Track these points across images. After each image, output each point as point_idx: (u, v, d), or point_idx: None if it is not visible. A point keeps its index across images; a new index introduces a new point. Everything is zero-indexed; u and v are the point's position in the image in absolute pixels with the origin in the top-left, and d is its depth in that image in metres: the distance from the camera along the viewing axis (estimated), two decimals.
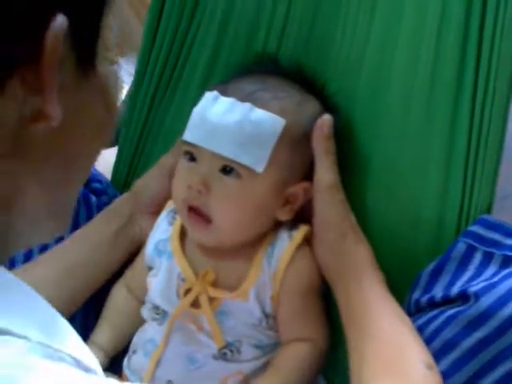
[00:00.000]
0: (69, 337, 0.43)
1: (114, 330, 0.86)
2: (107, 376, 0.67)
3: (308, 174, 0.79)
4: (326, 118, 0.78)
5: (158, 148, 0.93)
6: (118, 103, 0.49)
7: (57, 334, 0.42)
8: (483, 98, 0.75)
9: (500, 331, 0.68)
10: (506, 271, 0.72)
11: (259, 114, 0.74)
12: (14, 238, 0.46)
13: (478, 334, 0.69)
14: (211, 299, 0.78)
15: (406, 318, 0.73)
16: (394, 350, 0.69)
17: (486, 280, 0.72)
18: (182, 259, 0.80)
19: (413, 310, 0.77)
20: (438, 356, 0.70)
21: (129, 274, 0.88)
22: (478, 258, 0.75)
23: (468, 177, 0.77)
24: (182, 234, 0.82)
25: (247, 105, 0.75)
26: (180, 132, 0.79)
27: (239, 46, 0.89)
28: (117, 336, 0.86)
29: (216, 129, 0.75)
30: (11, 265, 0.87)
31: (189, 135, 0.77)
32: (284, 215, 0.79)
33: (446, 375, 0.69)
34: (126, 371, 0.84)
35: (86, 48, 0.43)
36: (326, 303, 0.81)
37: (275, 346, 0.80)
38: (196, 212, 0.77)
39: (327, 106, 0.81)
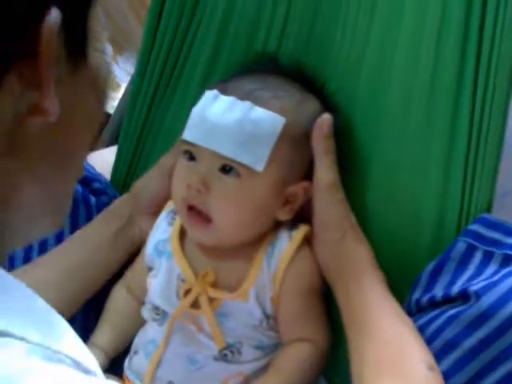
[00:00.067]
0: (68, 338, 0.43)
1: (114, 330, 0.86)
2: (107, 377, 0.67)
3: (308, 174, 0.79)
4: (326, 118, 0.78)
5: (158, 147, 0.93)
6: (108, 94, 0.49)
7: (56, 335, 0.41)
8: (483, 98, 0.75)
9: (501, 331, 0.68)
10: (507, 270, 0.71)
11: (259, 112, 0.74)
12: (10, 236, 0.45)
13: (479, 334, 0.69)
14: (211, 300, 0.78)
15: (407, 318, 0.73)
16: (394, 350, 0.69)
17: (487, 279, 0.71)
18: (182, 260, 0.80)
19: (413, 310, 0.77)
20: (439, 356, 0.70)
21: (129, 274, 0.88)
22: (478, 257, 0.74)
23: (468, 176, 0.76)
24: (182, 235, 0.82)
25: (247, 103, 0.74)
26: (180, 131, 0.79)
27: (239, 46, 0.89)
28: (117, 337, 0.86)
29: (215, 128, 0.74)
30: (11, 261, 0.87)
31: (188, 134, 0.77)
32: (284, 215, 0.79)
33: (447, 375, 0.69)
34: (126, 372, 0.84)
35: (76, 40, 0.43)
36: (327, 304, 0.81)
37: (276, 346, 0.80)
38: (195, 211, 0.76)
39: (327, 105, 0.81)
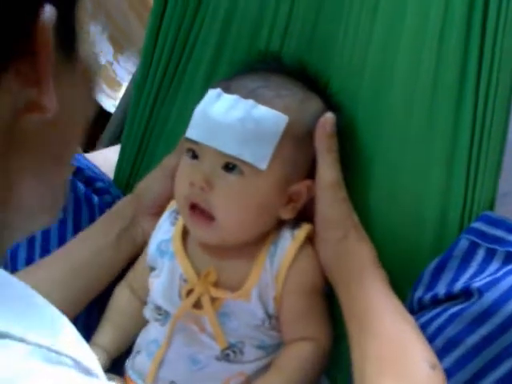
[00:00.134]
0: (70, 337, 0.42)
1: (116, 330, 0.85)
2: (109, 377, 0.67)
3: (311, 172, 0.79)
4: (329, 116, 0.78)
5: (161, 147, 0.93)
6: (98, 85, 0.49)
7: (57, 334, 0.41)
8: (485, 97, 0.75)
9: (504, 328, 0.68)
10: (510, 267, 0.71)
11: (262, 111, 0.74)
12: (9, 234, 0.46)
13: (482, 331, 0.69)
14: (213, 300, 0.78)
15: (409, 317, 0.73)
16: (396, 348, 0.69)
17: (489, 276, 0.71)
18: (185, 260, 0.80)
19: (416, 308, 0.76)
20: (441, 354, 0.70)
21: (131, 274, 0.87)
22: (480, 254, 0.74)
23: (471, 174, 0.76)
24: (185, 234, 0.81)
25: (250, 102, 0.74)
26: (183, 131, 0.79)
27: (242, 45, 0.89)
28: (119, 337, 0.85)
29: (218, 126, 0.74)
30: (13, 261, 0.87)
31: (191, 132, 0.77)
32: (287, 214, 0.78)
33: (449, 373, 0.69)
34: (129, 372, 0.84)
35: (66, 34, 0.43)
36: (329, 302, 0.81)
37: (278, 346, 0.80)
38: (198, 210, 0.76)
39: (330, 104, 0.81)
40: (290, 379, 0.77)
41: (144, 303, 0.85)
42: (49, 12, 0.39)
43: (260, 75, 0.80)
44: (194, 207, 0.77)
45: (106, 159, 0.99)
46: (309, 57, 0.84)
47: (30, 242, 0.88)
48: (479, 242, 0.75)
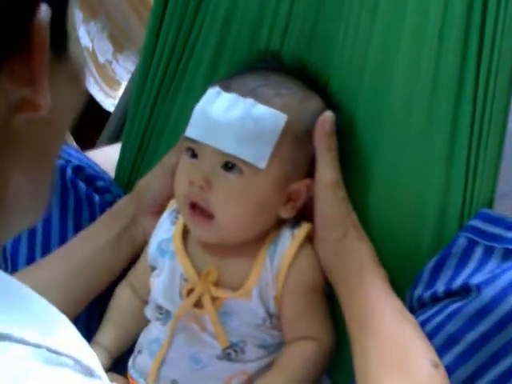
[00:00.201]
0: (70, 337, 0.42)
1: (117, 330, 0.86)
2: (111, 376, 0.67)
3: (310, 172, 0.79)
4: (328, 115, 0.78)
5: (162, 146, 0.93)
6: (85, 82, 0.49)
7: (57, 334, 0.41)
8: (484, 97, 0.75)
9: (503, 324, 0.68)
10: (508, 264, 0.71)
11: (261, 110, 0.74)
12: (3, 233, 0.46)
13: (481, 328, 0.69)
14: (214, 299, 0.78)
15: (409, 315, 0.73)
16: (398, 348, 0.69)
17: (488, 273, 0.71)
18: (185, 259, 0.80)
19: (415, 307, 0.77)
20: (441, 351, 0.70)
21: (132, 274, 0.87)
22: (478, 252, 0.74)
23: (469, 173, 0.76)
24: (185, 234, 0.82)
25: (249, 100, 0.74)
26: (184, 130, 0.79)
27: (242, 45, 0.89)
28: (121, 336, 0.85)
29: (218, 125, 0.74)
30: (14, 261, 0.87)
31: (191, 131, 0.77)
32: (286, 213, 0.79)
33: (449, 370, 0.69)
34: (131, 371, 0.84)
35: (57, 33, 0.43)
36: (330, 302, 0.81)
37: (279, 345, 0.80)
38: (198, 209, 0.76)
39: (329, 103, 0.81)
40: (292, 378, 0.77)
41: (145, 303, 0.85)
42: (44, 11, 0.39)
43: (260, 74, 0.80)
44: (194, 206, 0.77)
45: (106, 157, 0.99)
46: (309, 56, 0.84)
47: (31, 241, 0.88)
48: (477, 239, 0.75)
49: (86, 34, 1.54)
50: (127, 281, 0.87)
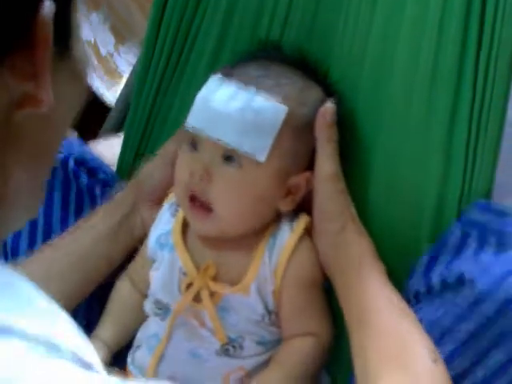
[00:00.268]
0: (69, 332, 0.42)
1: (117, 324, 0.85)
2: (110, 372, 0.67)
3: (310, 164, 0.79)
4: (329, 106, 0.77)
5: (164, 137, 0.93)
6: (88, 82, 0.49)
7: (57, 328, 0.41)
8: (483, 86, 0.75)
9: (497, 314, 0.68)
10: (501, 254, 0.71)
11: (261, 101, 0.74)
12: (4, 227, 0.46)
13: (475, 319, 0.69)
14: (212, 294, 0.78)
15: (407, 309, 0.72)
16: (396, 342, 0.68)
17: (482, 264, 0.71)
18: (184, 253, 0.80)
19: (411, 298, 0.76)
20: (438, 344, 0.69)
21: (132, 267, 0.87)
22: (473, 242, 0.74)
23: (468, 164, 0.76)
24: (184, 227, 0.81)
25: (250, 92, 0.74)
26: (185, 121, 0.79)
27: (244, 35, 0.89)
28: (120, 331, 0.85)
29: (218, 116, 0.74)
30: (14, 249, 0.87)
31: (191, 121, 0.77)
32: (286, 206, 0.78)
33: (447, 362, 0.68)
34: (130, 367, 0.84)
35: (61, 31, 0.43)
36: (328, 297, 0.80)
37: (278, 342, 0.80)
38: (197, 202, 0.76)
39: (330, 93, 0.81)
40: (290, 374, 0.77)
41: (145, 296, 0.84)
42: (48, 6, 0.39)
43: (260, 64, 0.79)
44: (193, 199, 0.76)
45: (109, 149, 0.99)
46: (309, 46, 0.84)
47: (32, 234, 0.88)
48: (471, 230, 0.74)
49: (87, 26, 1.54)
50: (127, 274, 0.87)
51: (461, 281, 0.71)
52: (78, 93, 0.47)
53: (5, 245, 0.87)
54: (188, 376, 0.79)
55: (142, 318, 0.84)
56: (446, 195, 0.77)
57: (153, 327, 0.83)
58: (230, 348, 0.78)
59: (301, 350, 0.78)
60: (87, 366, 0.40)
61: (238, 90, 0.74)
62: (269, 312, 0.78)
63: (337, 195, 0.77)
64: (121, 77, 1.58)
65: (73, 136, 1.02)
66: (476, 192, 0.76)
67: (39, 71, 0.40)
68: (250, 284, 0.77)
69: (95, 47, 1.59)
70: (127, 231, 0.86)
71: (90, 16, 1.55)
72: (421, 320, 0.71)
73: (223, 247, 0.79)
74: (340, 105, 0.79)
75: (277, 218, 0.79)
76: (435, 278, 0.74)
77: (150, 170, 0.87)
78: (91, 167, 0.93)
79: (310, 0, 0.85)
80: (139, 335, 0.84)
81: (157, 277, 0.81)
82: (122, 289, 0.87)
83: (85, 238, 0.85)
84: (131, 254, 0.87)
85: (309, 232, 0.79)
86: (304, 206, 0.79)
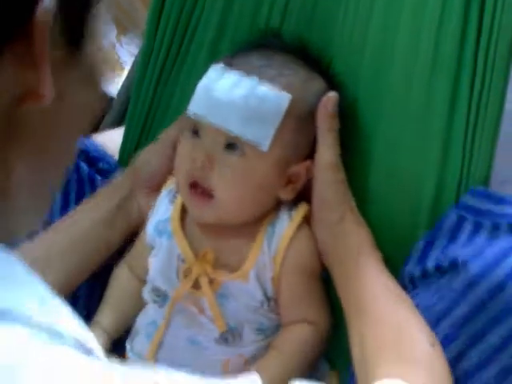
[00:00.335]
0: (70, 318, 0.42)
1: (116, 311, 0.85)
2: (109, 358, 0.67)
3: (311, 154, 0.79)
4: (332, 96, 0.78)
5: (165, 127, 0.93)
6: (108, 84, 0.48)
7: (59, 315, 0.41)
8: (483, 73, 0.75)
9: (489, 298, 0.68)
10: (495, 238, 0.71)
11: (265, 89, 0.74)
12: (10, 226, 0.45)
13: (468, 302, 0.69)
14: (211, 281, 0.78)
15: (405, 295, 0.72)
16: (394, 329, 0.68)
17: (476, 247, 0.71)
18: (183, 240, 0.80)
19: (407, 283, 0.76)
20: (433, 328, 0.69)
21: (130, 254, 0.87)
22: (468, 227, 0.74)
23: (466, 151, 0.76)
24: (183, 214, 0.81)
25: (254, 80, 0.74)
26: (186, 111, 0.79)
27: (244, 24, 0.89)
28: (119, 318, 0.85)
29: (221, 103, 0.74)
30: None
31: (193, 108, 0.77)
32: (286, 194, 0.78)
33: (442, 346, 0.68)
34: (129, 354, 0.84)
35: (73, 28, 0.43)
36: (327, 285, 0.80)
37: (276, 328, 0.80)
38: (198, 189, 0.76)
39: (332, 83, 0.81)
40: (289, 362, 0.77)
41: (144, 283, 0.84)
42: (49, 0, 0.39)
43: (263, 54, 0.79)
44: (194, 186, 0.76)
45: (110, 140, 0.99)
46: (309, 35, 0.84)
47: None
48: (467, 215, 0.75)
49: None
50: (125, 261, 0.87)
51: (455, 265, 0.71)
52: (91, 95, 0.47)
53: None
54: (187, 363, 0.78)
55: (140, 305, 0.84)
56: (444, 183, 0.77)
57: (151, 314, 0.83)
58: (229, 337, 0.78)
59: (299, 337, 0.78)
60: (89, 352, 0.40)
61: (242, 78, 0.74)
62: (268, 298, 0.78)
63: (336, 184, 0.78)
64: (122, 69, 1.58)
65: None
66: (474, 179, 0.76)
67: (38, 62, 0.40)
68: (249, 271, 0.77)
69: None
70: (124, 216, 0.86)
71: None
72: (417, 305, 0.72)
73: (222, 235, 0.79)
74: (342, 95, 0.79)
75: (276, 207, 0.79)
76: (430, 263, 0.74)
77: (148, 156, 0.87)
78: (92, 157, 0.93)
79: None
80: (138, 322, 0.84)
81: (155, 264, 0.81)
82: (121, 276, 0.87)
83: (83, 222, 0.85)
84: (129, 241, 0.87)
85: (308, 221, 0.79)
86: (304, 195, 0.80)
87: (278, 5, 0.86)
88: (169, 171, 0.83)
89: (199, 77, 0.78)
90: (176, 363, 0.79)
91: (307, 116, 0.77)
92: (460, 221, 0.75)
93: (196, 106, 0.76)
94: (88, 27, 0.43)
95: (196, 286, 0.79)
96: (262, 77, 0.75)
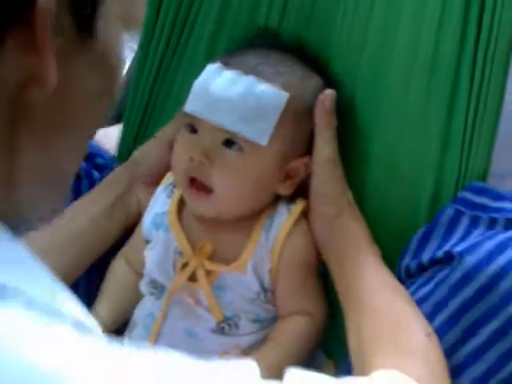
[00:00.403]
0: (70, 299, 0.42)
1: (113, 304, 0.85)
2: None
3: (309, 149, 0.79)
4: (329, 93, 0.78)
5: (164, 121, 0.93)
6: (120, 75, 0.48)
7: (59, 295, 0.41)
8: (482, 72, 0.75)
9: (484, 290, 0.68)
10: (492, 233, 0.72)
11: (263, 87, 0.74)
12: (21, 216, 0.46)
13: (464, 294, 0.69)
14: (208, 273, 0.78)
15: (401, 287, 0.73)
16: (391, 321, 0.69)
17: (472, 240, 0.72)
18: (180, 233, 0.80)
19: (403, 276, 0.77)
20: (428, 319, 0.70)
21: (127, 247, 0.87)
22: (465, 222, 0.75)
23: (465, 147, 0.77)
24: (180, 208, 0.82)
25: (251, 78, 0.74)
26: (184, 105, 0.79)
27: (243, 19, 0.89)
28: (116, 310, 0.85)
29: (219, 101, 0.74)
30: None
31: (191, 106, 0.77)
32: (284, 190, 0.79)
33: (438, 337, 0.69)
34: None
35: (83, 14, 0.43)
36: (324, 279, 0.81)
37: (273, 320, 0.80)
38: (197, 183, 0.76)
39: (329, 81, 0.81)
40: (286, 353, 0.77)
41: (140, 276, 0.85)
42: None
43: (260, 52, 0.80)
44: (192, 182, 0.77)
45: (106, 136, 0.99)
46: (307, 34, 0.84)
47: None
48: (464, 210, 0.75)
49: None
50: (122, 254, 0.87)
51: (451, 258, 0.72)
52: (104, 80, 0.46)
53: None
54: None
55: (137, 297, 0.85)
56: (442, 179, 0.78)
57: (148, 306, 0.83)
58: (225, 326, 0.79)
59: (296, 328, 0.79)
60: (89, 332, 0.40)
61: (239, 76, 0.75)
62: (264, 290, 0.79)
63: (334, 180, 0.78)
64: (124, 64, 1.58)
65: None
66: (472, 174, 0.77)
67: (40, 47, 0.40)
68: (246, 262, 0.77)
69: None
70: (122, 210, 0.87)
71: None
72: (413, 298, 0.72)
73: (220, 228, 0.79)
74: (339, 93, 0.80)
75: (274, 202, 0.80)
76: (426, 256, 0.75)
77: (147, 150, 0.88)
78: (89, 152, 0.93)
79: None
80: (135, 314, 0.85)
81: (152, 257, 0.82)
82: (118, 268, 0.87)
83: (81, 216, 0.85)
84: (127, 234, 0.88)
85: (306, 216, 0.80)
86: (302, 190, 0.80)
87: (276, 4, 0.87)
88: (168, 165, 0.83)
89: (198, 71, 0.78)
90: None
91: (305, 113, 0.78)
92: (457, 215, 0.75)
93: (193, 104, 0.77)
94: (98, 13, 0.43)
95: (193, 278, 0.79)
96: (260, 75, 0.75)
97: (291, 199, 0.80)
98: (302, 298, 0.79)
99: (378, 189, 0.81)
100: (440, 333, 0.69)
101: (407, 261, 0.77)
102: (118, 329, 0.86)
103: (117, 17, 0.45)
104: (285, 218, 0.78)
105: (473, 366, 0.69)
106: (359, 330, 0.70)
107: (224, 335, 0.79)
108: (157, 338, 0.81)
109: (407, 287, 0.74)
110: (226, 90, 0.74)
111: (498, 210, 0.73)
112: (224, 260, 0.78)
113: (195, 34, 0.92)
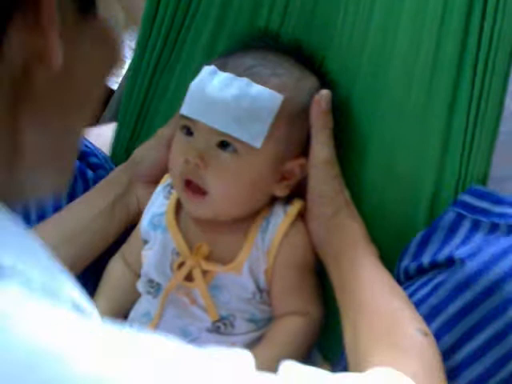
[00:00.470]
0: (70, 283, 0.42)
1: (110, 303, 0.85)
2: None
3: (305, 150, 0.79)
4: (324, 93, 0.78)
5: (159, 120, 0.93)
6: (121, 50, 0.48)
7: (59, 278, 0.41)
8: (483, 74, 0.75)
9: (485, 295, 0.68)
10: (493, 238, 0.72)
11: (257, 89, 0.74)
12: (20, 194, 0.46)
13: (463, 299, 0.69)
14: (205, 273, 0.78)
15: (398, 287, 0.73)
16: (387, 320, 0.69)
17: (473, 245, 0.72)
18: (177, 234, 0.80)
19: (402, 278, 0.77)
20: (425, 321, 0.70)
21: (125, 247, 0.88)
22: (466, 225, 0.75)
23: (465, 149, 0.76)
24: (178, 209, 0.82)
25: (245, 80, 0.74)
26: (181, 104, 0.79)
27: (243, 19, 0.89)
28: (113, 310, 0.85)
29: (214, 103, 0.74)
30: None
31: (186, 109, 0.77)
32: (280, 191, 0.79)
33: (436, 338, 0.69)
34: None
35: None
36: (320, 278, 0.81)
37: (269, 320, 0.80)
38: (192, 185, 0.77)
39: (325, 82, 0.81)
40: (282, 353, 0.76)
41: (138, 276, 0.85)
42: None
43: (257, 54, 0.80)
44: (188, 183, 0.77)
45: (99, 135, 0.99)
46: (308, 36, 0.84)
47: (25, 217, 0.88)
48: (465, 213, 0.75)
49: None
50: (120, 254, 0.87)
51: (450, 261, 0.72)
52: (105, 56, 0.47)
53: None
54: None
55: (134, 297, 0.85)
56: (442, 181, 0.78)
57: (145, 305, 0.83)
58: (221, 325, 0.79)
59: (292, 328, 0.79)
60: (87, 314, 0.40)
61: (234, 78, 0.75)
62: (260, 290, 0.79)
63: (331, 180, 0.78)
64: (123, 63, 1.58)
65: None
66: (472, 177, 0.77)
67: (46, 29, 0.40)
68: (242, 263, 0.77)
69: None
70: (122, 208, 0.87)
71: None
72: (411, 300, 0.72)
73: (216, 229, 0.79)
74: (337, 93, 0.80)
75: (270, 203, 0.80)
76: (426, 259, 0.75)
77: (146, 151, 0.88)
78: (82, 152, 0.93)
79: None
80: (132, 313, 0.85)
81: (149, 257, 0.82)
82: (116, 268, 0.87)
83: (80, 216, 0.86)
84: (125, 234, 0.88)
85: (302, 217, 0.80)
86: (300, 190, 0.80)
87: (277, 6, 0.87)
88: (166, 166, 0.83)
89: (195, 68, 0.79)
90: None
91: (300, 113, 0.78)
92: (458, 218, 0.75)
93: (189, 107, 0.77)
94: None
95: (189, 278, 0.79)
96: (255, 76, 0.75)
97: (288, 200, 0.80)
98: (298, 299, 0.79)
99: (376, 189, 0.81)
100: (437, 335, 0.69)
101: (406, 262, 0.77)
102: None
103: None
104: (281, 219, 0.78)
105: (469, 369, 0.69)
106: (355, 328, 0.70)
107: (219, 334, 0.79)
108: None
109: (405, 287, 0.74)
110: (220, 92, 0.74)
111: (500, 215, 0.73)
112: (221, 260, 0.79)
113: (194, 29, 0.92)
